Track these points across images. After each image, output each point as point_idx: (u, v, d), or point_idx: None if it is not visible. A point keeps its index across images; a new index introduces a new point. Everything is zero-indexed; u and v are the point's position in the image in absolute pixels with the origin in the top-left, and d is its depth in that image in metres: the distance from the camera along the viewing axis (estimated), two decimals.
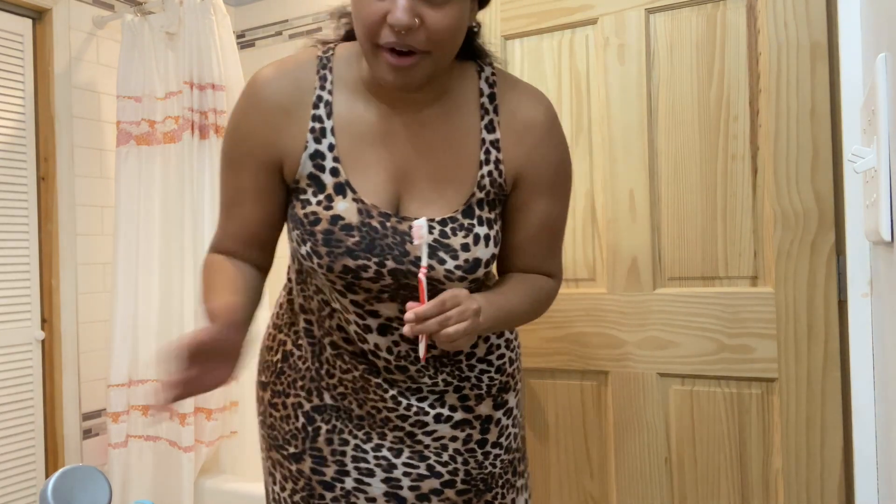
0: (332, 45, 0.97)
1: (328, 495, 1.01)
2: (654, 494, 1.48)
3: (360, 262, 0.90)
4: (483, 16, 1.63)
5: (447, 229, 0.91)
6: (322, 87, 0.92)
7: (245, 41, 2.74)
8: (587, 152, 1.54)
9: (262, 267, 1.03)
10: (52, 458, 2.25)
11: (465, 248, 0.91)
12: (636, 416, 1.49)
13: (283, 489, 1.06)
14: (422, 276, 0.83)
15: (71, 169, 2.29)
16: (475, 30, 0.98)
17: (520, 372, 1.11)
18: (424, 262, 0.83)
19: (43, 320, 2.25)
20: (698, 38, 1.43)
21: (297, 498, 1.04)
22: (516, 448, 1.09)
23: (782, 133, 1.35)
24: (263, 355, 1.12)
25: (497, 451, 1.05)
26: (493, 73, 0.97)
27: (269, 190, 0.96)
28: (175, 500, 2.20)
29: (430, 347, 0.96)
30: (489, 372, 1.04)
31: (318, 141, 0.92)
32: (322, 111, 0.92)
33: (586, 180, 1.54)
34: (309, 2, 2.60)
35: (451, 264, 0.90)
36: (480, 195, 0.94)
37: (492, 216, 0.95)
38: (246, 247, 1.00)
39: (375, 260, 0.90)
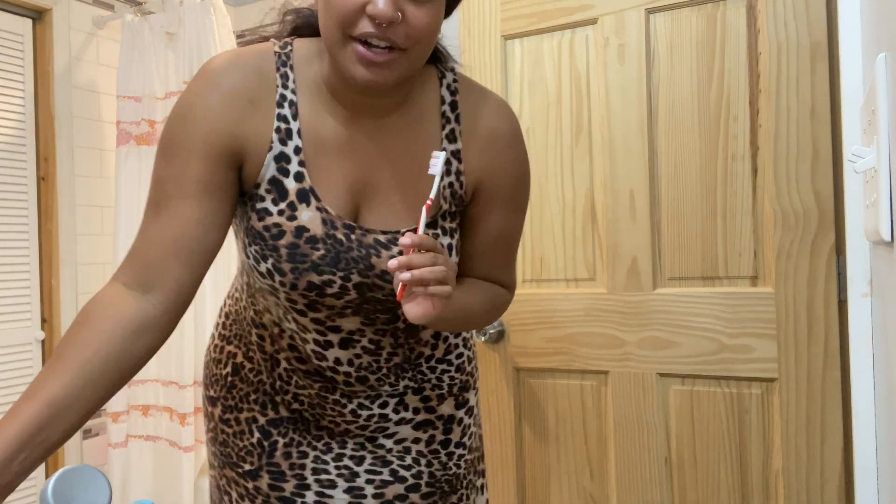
0: (288, 41, 0.89)
1: None
2: (654, 494, 1.48)
3: (325, 276, 0.85)
4: (483, 16, 1.64)
5: None
6: (285, 86, 0.85)
7: (245, 41, 2.73)
8: (587, 152, 1.54)
9: (181, 297, 0.81)
10: (52, 458, 2.24)
11: None
12: (636, 416, 1.49)
13: None
14: (425, 209, 0.78)
15: (71, 169, 2.29)
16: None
17: (477, 370, 1.10)
18: (433, 194, 0.78)
19: (43, 320, 2.25)
20: (698, 38, 1.43)
21: None
22: (477, 447, 1.08)
23: (782, 133, 1.35)
24: (211, 368, 1.06)
25: (461, 451, 1.03)
26: (454, 80, 0.93)
27: (219, 185, 0.83)
28: (175, 500, 2.20)
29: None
30: (449, 371, 1.02)
31: (283, 143, 0.85)
32: (287, 111, 0.85)
33: (586, 180, 1.54)
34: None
35: None
36: (444, 207, 0.90)
37: (453, 226, 0.92)
38: (175, 258, 0.80)
39: (341, 274, 0.85)
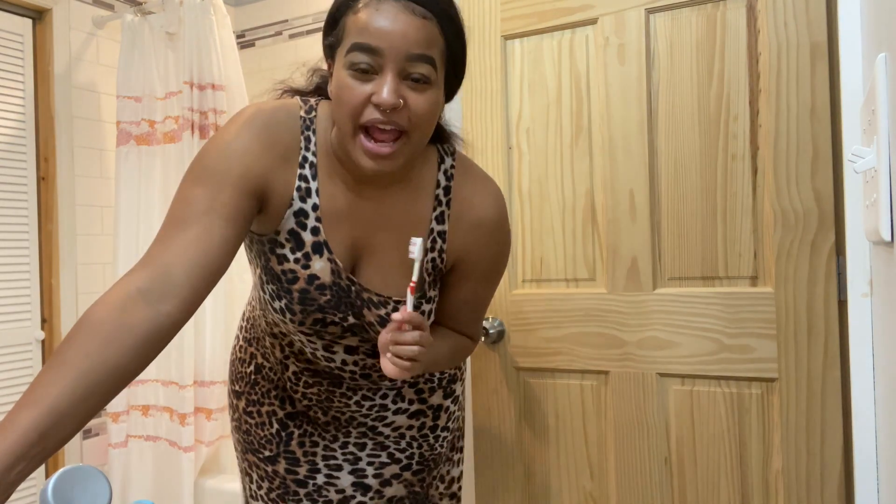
0: (313, 105, 0.98)
1: (301, 491, 1.12)
2: (654, 494, 1.48)
3: (328, 315, 0.98)
4: (483, 16, 1.64)
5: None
6: (307, 149, 0.95)
7: (245, 41, 2.74)
8: (587, 152, 1.54)
9: (192, 309, 0.83)
10: (52, 458, 2.25)
11: None
12: (636, 416, 1.49)
13: (259, 487, 1.16)
14: (410, 290, 0.91)
15: (71, 169, 2.29)
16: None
17: (465, 363, 1.25)
18: (415, 277, 0.90)
19: (43, 320, 2.25)
20: (698, 38, 1.43)
21: (273, 495, 1.14)
22: (457, 427, 1.24)
23: (782, 133, 1.35)
24: (237, 366, 1.19)
25: (445, 433, 1.19)
26: (452, 165, 1.03)
27: (245, 215, 0.89)
28: (175, 500, 2.20)
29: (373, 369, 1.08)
30: None
31: (303, 200, 0.94)
32: (308, 171, 0.95)
33: (586, 180, 1.54)
34: (309, 2, 2.60)
35: None
36: (426, 278, 1.02)
37: (434, 293, 1.05)
38: (200, 272, 0.82)
39: (339, 315, 0.99)
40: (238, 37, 2.73)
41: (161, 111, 2.29)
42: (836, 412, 1.32)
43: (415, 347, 0.90)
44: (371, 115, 0.85)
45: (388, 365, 0.91)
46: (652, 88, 1.48)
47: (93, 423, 2.37)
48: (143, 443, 2.27)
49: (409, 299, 0.91)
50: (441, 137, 1.05)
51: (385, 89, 0.83)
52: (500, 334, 1.63)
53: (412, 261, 0.91)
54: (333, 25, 0.90)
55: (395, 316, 0.89)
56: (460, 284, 1.07)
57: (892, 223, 0.74)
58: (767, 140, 1.37)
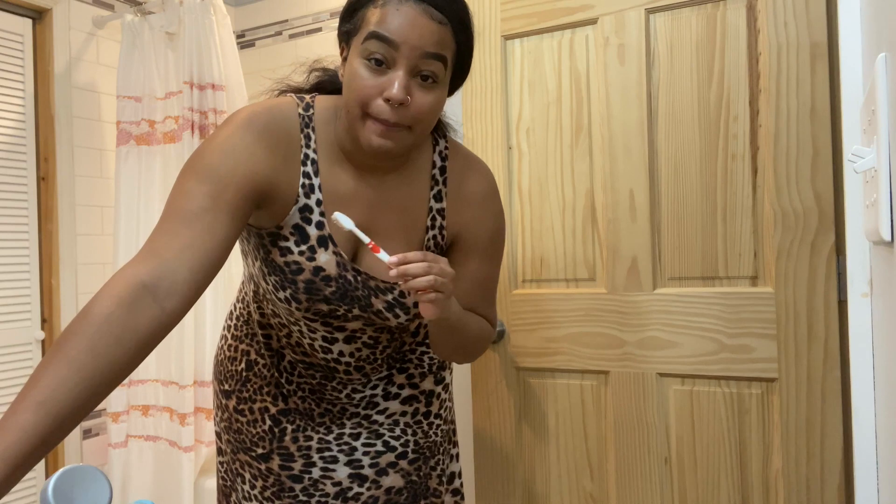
0: (310, 103, 1.01)
1: (297, 487, 1.13)
2: (654, 494, 1.48)
3: (333, 306, 1.02)
4: (483, 16, 1.64)
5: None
6: (307, 146, 0.98)
7: (245, 41, 2.74)
8: (587, 152, 1.54)
9: (190, 305, 0.84)
10: (52, 458, 2.25)
11: (416, 304, 1.05)
12: (636, 416, 1.49)
13: (252, 487, 1.16)
14: (372, 249, 0.90)
15: (71, 169, 2.29)
16: None
17: None
18: (365, 240, 0.90)
19: (43, 320, 2.25)
20: (698, 38, 1.43)
21: (267, 493, 1.14)
22: (451, 420, 1.26)
23: (782, 133, 1.35)
24: (226, 365, 1.19)
25: (438, 421, 1.21)
26: (446, 147, 1.08)
27: (244, 214, 0.91)
28: (175, 500, 2.20)
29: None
30: (428, 353, 1.19)
31: (307, 196, 0.98)
32: (310, 168, 0.98)
33: (586, 180, 1.54)
34: (309, 2, 2.60)
35: (403, 318, 1.06)
36: None
37: None
38: (202, 269, 0.83)
39: (345, 307, 1.02)
40: (238, 37, 2.73)
41: (161, 111, 2.29)
42: (836, 412, 1.32)
43: (427, 277, 0.88)
44: (379, 108, 0.89)
45: (423, 307, 0.91)
46: (652, 88, 1.48)
47: (93, 423, 2.37)
48: (143, 443, 2.27)
49: (383, 254, 0.89)
50: (436, 126, 1.09)
51: (396, 85, 0.88)
52: (500, 334, 1.63)
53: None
54: (352, 14, 0.95)
55: (391, 260, 0.87)
56: (466, 262, 1.10)
57: (892, 223, 0.74)
58: (767, 140, 1.37)
